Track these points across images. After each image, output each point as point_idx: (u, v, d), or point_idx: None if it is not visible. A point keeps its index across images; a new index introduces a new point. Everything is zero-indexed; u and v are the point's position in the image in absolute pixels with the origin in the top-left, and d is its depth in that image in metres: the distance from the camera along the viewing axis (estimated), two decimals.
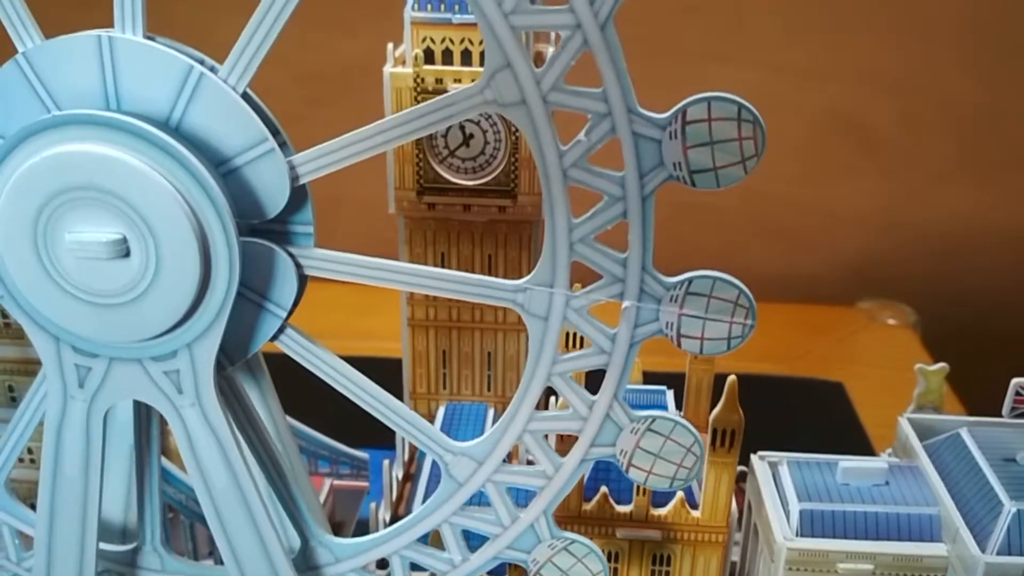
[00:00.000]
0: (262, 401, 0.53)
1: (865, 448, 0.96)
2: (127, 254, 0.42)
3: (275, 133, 0.43)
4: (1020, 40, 1.19)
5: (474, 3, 0.39)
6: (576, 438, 0.46)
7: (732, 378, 0.53)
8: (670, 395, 0.65)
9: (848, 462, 0.57)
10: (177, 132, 0.42)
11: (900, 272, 1.31)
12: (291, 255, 0.45)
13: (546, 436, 0.47)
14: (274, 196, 0.43)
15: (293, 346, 0.47)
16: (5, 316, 0.62)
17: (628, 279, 0.43)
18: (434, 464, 0.67)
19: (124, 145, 0.41)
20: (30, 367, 0.62)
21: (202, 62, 0.43)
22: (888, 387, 1.08)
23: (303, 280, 0.46)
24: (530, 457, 0.48)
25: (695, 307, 0.43)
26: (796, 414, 1.00)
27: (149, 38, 0.42)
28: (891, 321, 1.22)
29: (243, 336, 0.46)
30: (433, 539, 0.50)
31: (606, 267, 0.43)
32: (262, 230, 0.45)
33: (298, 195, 0.44)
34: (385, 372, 0.68)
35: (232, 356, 0.47)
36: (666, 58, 1.11)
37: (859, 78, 1.23)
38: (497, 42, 0.40)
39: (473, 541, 0.50)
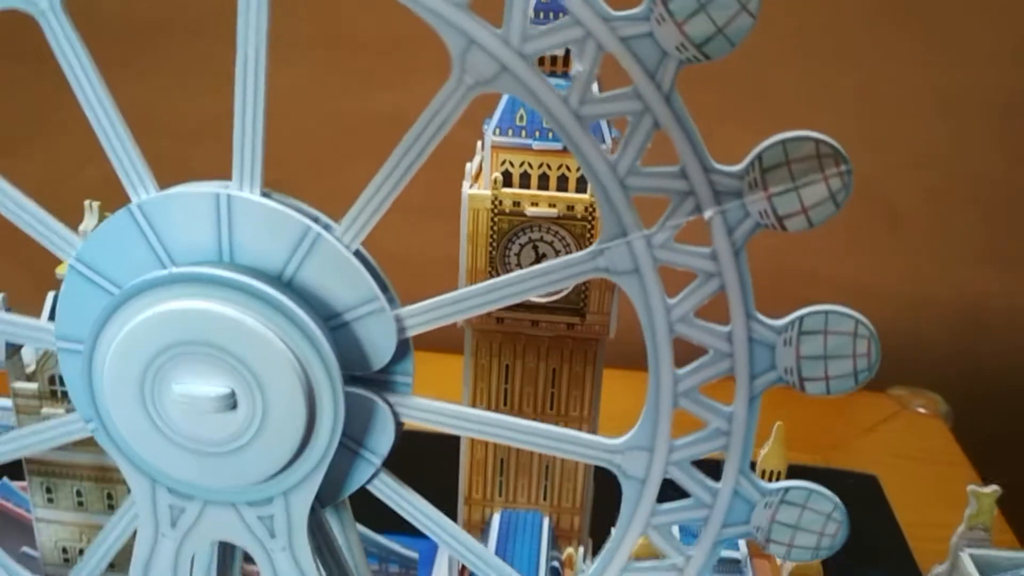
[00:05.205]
0: (341, 531, 0.53)
1: (902, 548, 0.96)
2: (234, 407, 0.43)
3: (384, 290, 0.44)
4: None
5: None
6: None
7: None
8: None
9: None
10: (289, 287, 0.43)
11: (928, 355, 1.31)
12: (389, 404, 0.45)
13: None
14: (380, 350, 0.44)
15: (386, 491, 0.47)
16: None
17: (696, 187, 0.39)
18: None
19: (238, 303, 0.41)
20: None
21: (317, 220, 0.43)
22: (921, 481, 1.09)
23: (399, 429, 0.46)
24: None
25: (780, 181, 0.38)
26: None
27: (265, 195, 0.43)
28: (921, 410, 1.22)
29: (336, 481, 0.46)
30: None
31: (668, 187, 0.40)
32: (363, 379, 0.45)
33: (401, 347, 0.44)
34: (441, 447, 0.68)
35: (323, 499, 0.47)
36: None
37: (885, 150, 1.24)
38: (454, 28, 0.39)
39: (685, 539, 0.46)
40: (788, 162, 0.38)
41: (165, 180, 0.44)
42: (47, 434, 0.48)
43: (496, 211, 0.62)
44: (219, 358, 0.42)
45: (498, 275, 0.65)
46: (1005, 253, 1.28)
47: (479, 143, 0.66)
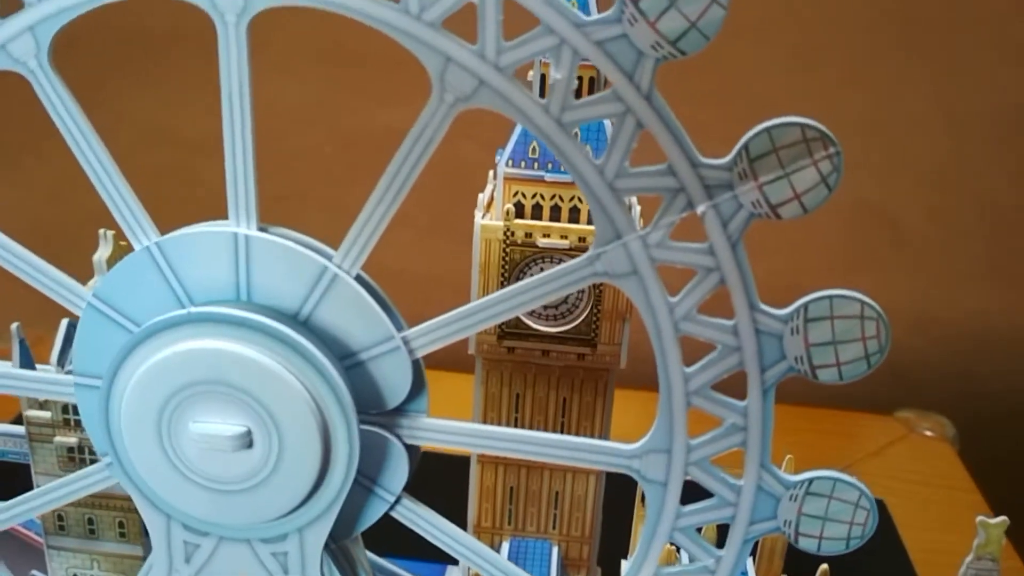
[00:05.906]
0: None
1: (909, 573, 0.96)
2: (250, 445, 0.43)
3: (400, 329, 0.44)
4: None
5: None
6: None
7: (824, 567, 0.52)
8: None
9: None
10: (306, 326, 0.43)
11: (934, 376, 1.31)
12: (402, 441, 0.45)
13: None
14: (395, 389, 0.44)
15: (406, 514, 0.47)
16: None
17: (685, 183, 0.39)
18: None
19: (256, 343, 0.42)
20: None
21: (332, 259, 0.43)
22: (928, 506, 1.08)
23: (413, 466, 0.46)
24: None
25: (770, 170, 0.38)
26: None
27: (262, 229, 0.43)
28: (928, 433, 1.22)
29: (350, 518, 0.47)
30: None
31: (658, 185, 0.39)
32: (377, 417, 0.45)
33: (416, 385, 0.45)
34: (450, 475, 0.68)
35: (336, 536, 0.47)
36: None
37: (890, 169, 1.24)
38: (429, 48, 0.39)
39: None
40: (775, 149, 0.38)
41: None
42: (69, 488, 0.49)
43: (508, 242, 0.62)
44: (236, 397, 0.42)
45: None
46: (1011, 273, 1.28)
47: (491, 172, 0.67)
